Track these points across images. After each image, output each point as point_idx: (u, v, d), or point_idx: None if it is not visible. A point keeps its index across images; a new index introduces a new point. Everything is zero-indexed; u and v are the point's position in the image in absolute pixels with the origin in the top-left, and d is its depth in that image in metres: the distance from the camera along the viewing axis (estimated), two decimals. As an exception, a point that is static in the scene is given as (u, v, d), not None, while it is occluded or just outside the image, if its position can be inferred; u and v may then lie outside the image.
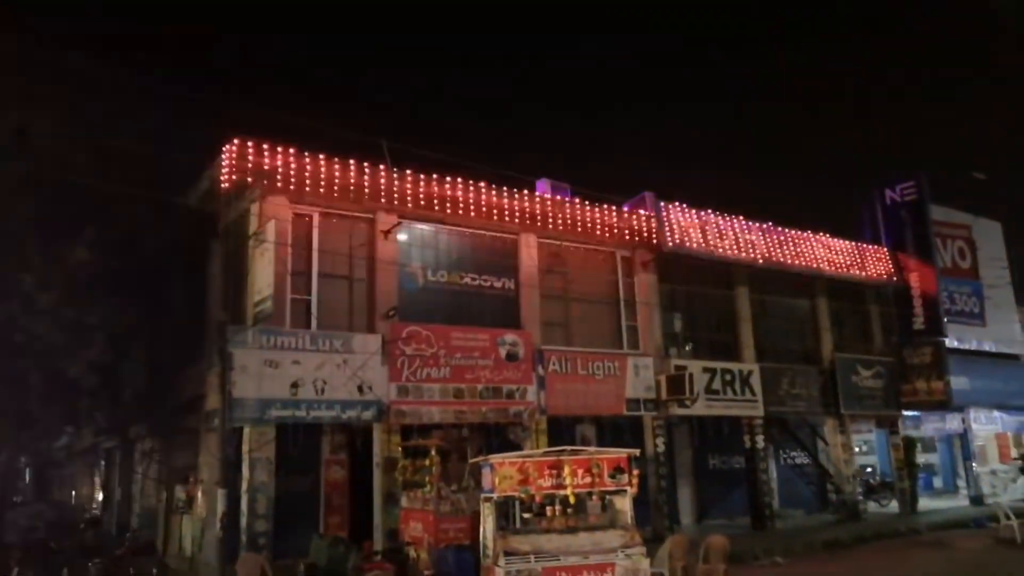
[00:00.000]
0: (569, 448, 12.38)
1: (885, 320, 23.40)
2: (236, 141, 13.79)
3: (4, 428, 15.14)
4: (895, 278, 23.63)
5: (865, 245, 23.54)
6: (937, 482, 28.54)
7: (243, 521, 12.95)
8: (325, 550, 11.92)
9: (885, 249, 24.02)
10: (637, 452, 10.49)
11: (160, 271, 16.21)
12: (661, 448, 17.77)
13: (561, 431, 16.36)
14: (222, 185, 13.74)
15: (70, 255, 14.66)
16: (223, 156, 13.84)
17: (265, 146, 13.98)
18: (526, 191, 17.13)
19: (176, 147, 15.40)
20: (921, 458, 25.99)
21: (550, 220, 17.09)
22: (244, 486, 13.09)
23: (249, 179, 13.87)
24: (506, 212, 16.51)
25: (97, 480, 24.29)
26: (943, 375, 23.08)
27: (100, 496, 23.74)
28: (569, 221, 17.38)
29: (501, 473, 9.63)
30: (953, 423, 24.34)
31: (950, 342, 23.70)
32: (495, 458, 10.10)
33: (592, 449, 14.47)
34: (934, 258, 23.91)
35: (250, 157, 13.83)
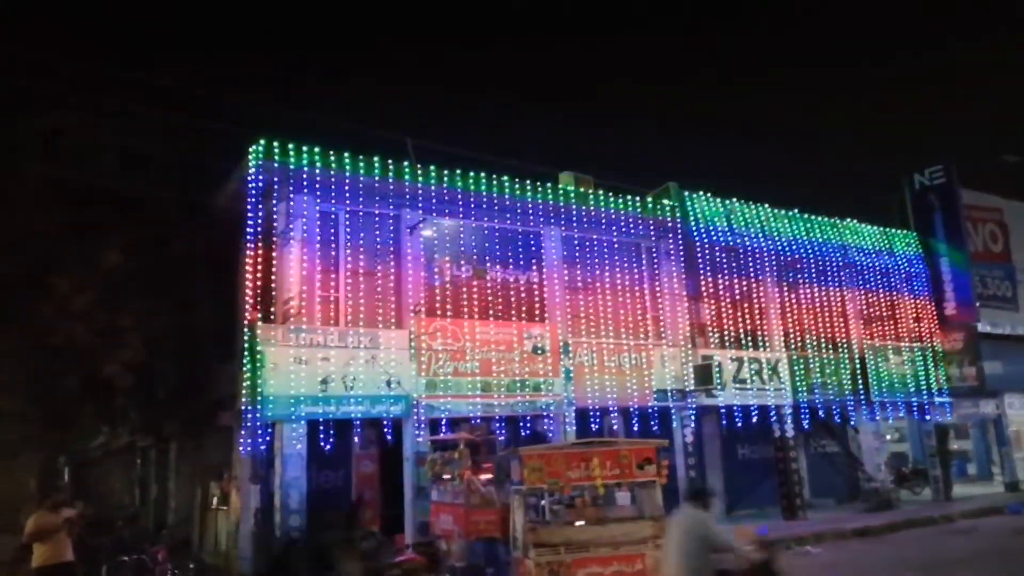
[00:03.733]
0: (597, 440, 12.41)
1: (916, 306, 23.11)
2: (262, 141, 13.99)
3: (42, 429, 15.47)
4: (925, 263, 23.40)
5: (894, 230, 23.30)
6: (971, 469, 28.18)
7: (277, 516, 13.14)
8: (358, 544, 12.07)
9: (915, 234, 23.78)
10: (666, 443, 10.51)
11: (191, 271, 16.46)
12: (689, 438, 17.74)
13: (589, 423, 16.41)
14: (249, 185, 13.93)
15: (103, 258, 14.92)
16: (250, 156, 14.03)
17: (291, 146, 14.16)
18: (549, 184, 17.17)
19: (204, 148, 15.63)
20: (954, 445, 25.69)
21: (574, 212, 17.11)
22: (277, 482, 13.29)
23: (275, 179, 14.07)
24: (530, 205, 16.56)
25: (134, 478, 24.72)
26: (976, 360, 22.80)
27: (137, 493, 24.15)
28: (593, 213, 17.39)
29: (530, 465, 9.69)
30: (987, 409, 24.00)
31: (982, 327, 23.37)
32: (524, 450, 10.17)
33: (620, 440, 14.54)
34: (965, 242, 23.60)
35: (276, 157, 14.03)
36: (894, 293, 22.62)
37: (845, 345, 21.05)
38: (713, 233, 18.96)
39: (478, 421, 14.78)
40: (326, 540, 12.40)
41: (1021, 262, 25.38)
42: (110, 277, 14.70)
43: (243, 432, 13.34)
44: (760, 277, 19.86)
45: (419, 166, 15.39)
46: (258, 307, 13.49)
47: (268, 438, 13.37)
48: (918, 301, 23.11)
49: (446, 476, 12.78)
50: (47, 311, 14.31)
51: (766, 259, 19.93)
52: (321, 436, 13.53)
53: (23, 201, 14.24)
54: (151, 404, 16.84)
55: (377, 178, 14.88)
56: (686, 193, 19.03)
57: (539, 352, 15.79)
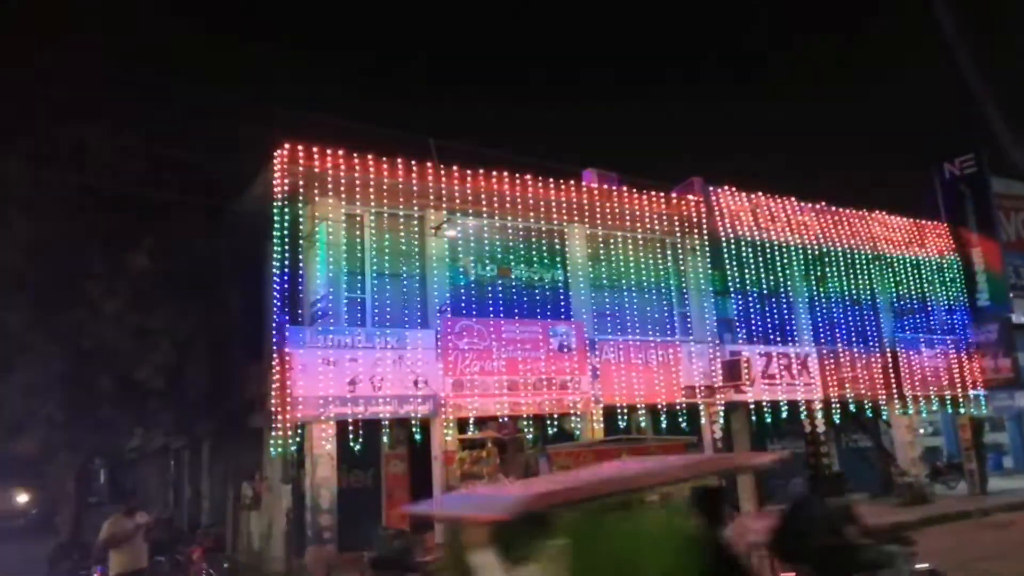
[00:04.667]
0: (625, 437, 12.39)
1: (948, 297, 22.74)
2: (287, 145, 14.10)
3: (78, 432, 15.74)
4: (957, 254, 23.03)
5: (925, 221, 22.94)
6: (1007, 462, 27.68)
7: (308, 516, 13.28)
8: (389, 542, 12.15)
9: (946, 224, 23.39)
10: (694, 439, 10.47)
11: (220, 274, 16.65)
12: (719, 435, 17.62)
13: (616, 420, 16.36)
14: (275, 189, 14.06)
15: (132, 262, 15.14)
16: (275, 160, 14.16)
17: (315, 149, 14.26)
18: (573, 182, 17.12)
19: (231, 152, 15.79)
20: (989, 438, 25.25)
21: (598, 210, 17.06)
22: (308, 482, 13.42)
23: (301, 182, 14.19)
24: (553, 204, 16.53)
25: (168, 479, 25.09)
26: (1011, 352, 22.39)
27: (171, 495, 24.52)
28: (617, 210, 17.32)
29: (559, 463, 9.74)
30: (1022, 401, 23.56)
31: (1017, 318, 22.93)
32: (552, 449, 10.19)
33: (649, 438, 14.50)
34: (997, 232, 23.18)
35: (301, 160, 14.13)
36: (925, 285, 22.27)
37: (876, 338, 20.77)
38: (739, 228, 18.79)
39: (505, 420, 14.80)
40: None
41: (1056, 251, 24.86)
42: (140, 281, 14.92)
43: (273, 433, 13.48)
44: (788, 270, 19.65)
45: (442, 167, 15.43)
46: (286, 309, 13.62)
47: (298, 439, 13.50)
48: (950, 292, 22.74)
49: (475, 474, 12.82)
50: (79, 315, 14.55)
51: (793, 253, 19.71)
52: (350, 436, 13.63)
53: (53, 208, 14.50)
54: (183, 406, 17.05)
55: (401, 180, 14.95)
56: (711, 188, 18.88)
57: (565, 350, 15.77)
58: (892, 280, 21.55)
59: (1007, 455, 27.97)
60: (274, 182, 14.07)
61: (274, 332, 13.59)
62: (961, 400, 21.87)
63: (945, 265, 22.80)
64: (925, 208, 23.84)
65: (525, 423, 15.31)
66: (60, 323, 14.51)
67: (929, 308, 22.24)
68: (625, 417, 16.54)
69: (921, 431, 23.30)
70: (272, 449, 13.74)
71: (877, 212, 21.84)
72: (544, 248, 16.66)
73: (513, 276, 16.18)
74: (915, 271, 22.07)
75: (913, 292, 21.92)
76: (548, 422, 15.78)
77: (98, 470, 32.22)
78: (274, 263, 13.86)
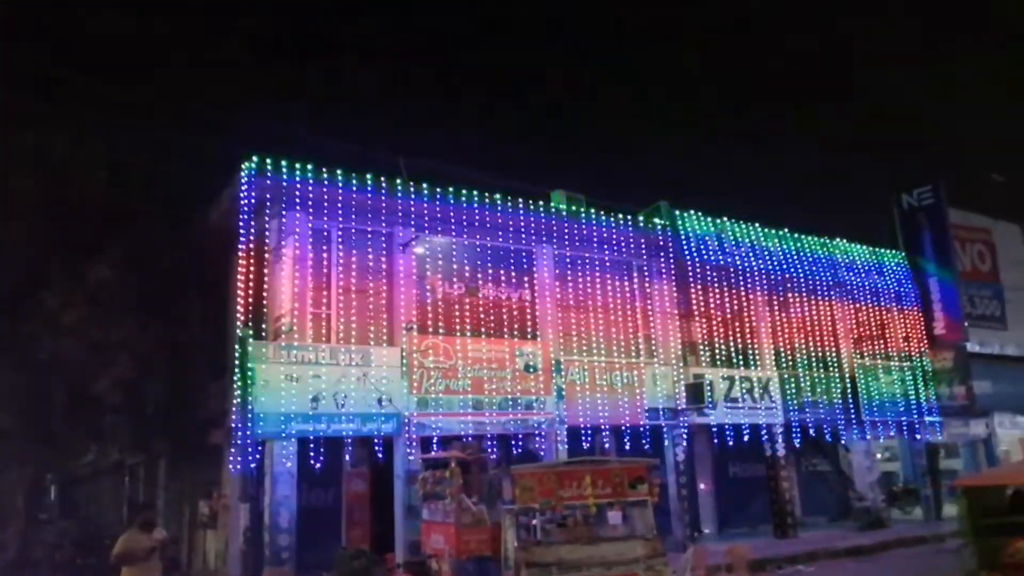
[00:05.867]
0: (589, 458, 12.39)
1: (905, 324, 23.23)
2: (255, 158, 14.01)
3: (29, 446, 15.34)
4: (914, 283, 23.58)
5: (883, 250, 23.48)
6: (962, 488, 28.17)
7: (266, 535, 13.05)
8: (348, 563, 12.00)
9: (904, 253, 23.96)
10: (657, 461, 10.52)
11: (182, 288, 16.40)
12: (681, 457, 17.72)
13: (580, 441, 16.38)
14: (241, 201, 13.92)
15: (92, 273, 14.87)
16: (242, 173, 14.04)
17: (283, 163, 14.18)
18: (541, 202, 17.24)
19: (196, 165, 15.63)
20: (945, 464, 25.73)
21: (566, 231, 17.18)
22: (267, 500, 13.20)
23: (267, 195, 14.07)
24: (522, 224, 16.62)
25: (122, 496, 24.48)
26: (966, 379, 22.91)
27: (125, 512, 23.92)
28: (585, 232, 17.46)
29: (522, 484, 9.69)
30: (977, 428, 24.06)
31: (972, 346, 23.50)
32: (516, 469, 10.16)
33: (612, 459, 14.53)
34: (953, 262, 23.78)
35: (268, 173, 14.04)
36: (884, 312, 22.74)
37: (836, 364, 21.12)
38: (704, 252, 19.06)
39: (469, 439, 14.73)
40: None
41: (1009, 282, 25.57)
42: (99, 293, 14.65)
43: (233, 450, 13.26)
44: (751, 295, 19.93)
45: (411, 184, 15.42)
46: (249, 324, 13.45)
47: (258, 456, 13.28)
48: (907, 320, 23.24)
49: (437, 494, 12.71)
50: (35, 326, 14.24)
51: (757, 278, 20.01)
52: (312, 454, 13.45)
53: (11, 216, 14.20)
54: (140, 421, 16.73)
55: (370, 195, 14.91)
56: (677, 212, 19.13)
57: (531, 370, 15.78)
58: (852, 306, 21.96)
59: (961, 481, 28.47)
60: (240, 195, 13.94)
61: (236, 347, 13.40)
62: (917, 426, 22.29)
63: (903, 293, 23.31)
64: (883, 237, 24.40)
65: (489, 443, 15.25)
66: (15, 333, 14.18)
67: (887, 335, 22.70)
68: (590, 438, 16.55)
69: (879, 456, 23.67)
70: (231, 466, 13.51)
71: (838, 239, 22.30)
72: (512, 267, 16.69)
73: (480, 295, 16.18)
74: (874, 298, 22.53)
75: (872, 318, 22.37)
76: (512, 442, 15.74)
77: (49, 486, 31.32)
78: (238, 277, 13.70)
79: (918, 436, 22.42)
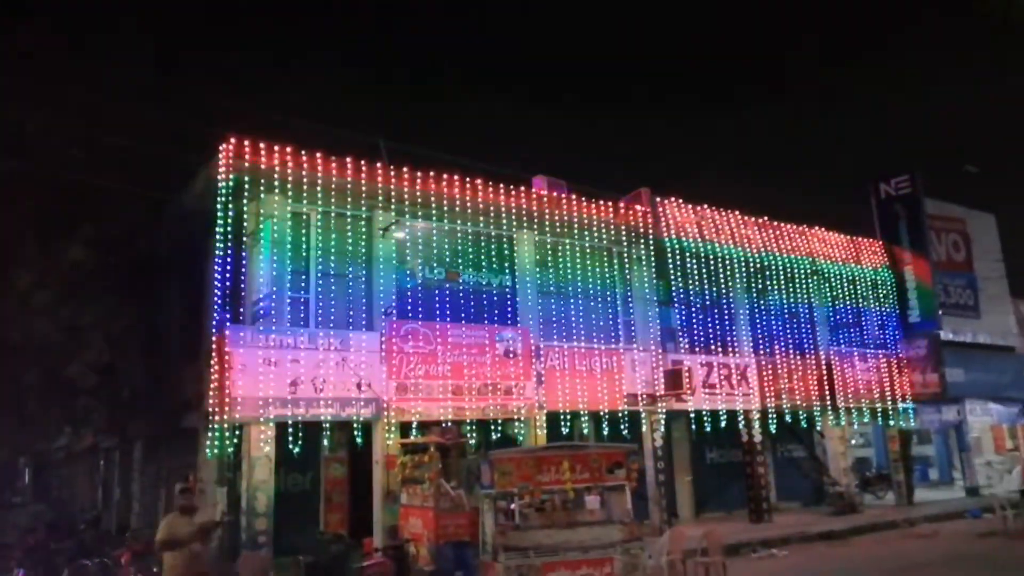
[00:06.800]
0: (568, 444, 12.43)
1: (881, 313, 23.50)
2: (233, 139, 13.82)
3: (2, 428, 15.15)
4: (890, 271, 23.87)
5: (860, 239, 23.70)
6: (933, 474, 28.66)
7: (243, 520, 12.98)
8: (326, 547, 11.97)
9: (880, 243, 24.21)
10: (635, 447, 10.57)
11: (158, 269, 16.19)
12: (659, 442, 17.83)
13: (559, 427, 16.43)
14: (219, 184, 13.74)
15: (66, 254, 14.64)
16: (220, 154, 13.84)
17: (262, 144, 14.00)
18: (523, 188, 17.19)
19: (173, 145, 15.40)
20: (917, 450, 26.13)
21: (547, 217, 17.15)
22: (244, 484, 13.12)
23: (246, 177, 13.89)
24: (503, 209, 16.57)
25: (96, 479, 24.29)
26: (938, 367, 23.21)
27: (100, 496, 23.73)
28: (566, 218, 17.44)
29: (500, 469, 9.69)
30: (949, 415, 24.44)
31: (945, 334, 23.81)
32: (494, 454, 10.17)
33: (591, 444, 14.60)
34: (928, 251, 24.05)
35: (247, 155, 13.86)
36: (860, 300, 22.99)
37: (812, 351, 21.32)
38: (684, 239, 19.14)
39: (449, 424, 14.73)
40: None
41: (982, 271, 25.92)
42: (73, 273, 14.43)
43: (210, 434, 13.15)
44: (730, 282, 20.05)
45: (392, 168, 15.30)
46: (226, 307, 13.31)
47: (235, 440, 13.19)
48: (883, 308, 23.52)
49: (416, 479, 12.72)
50: (7, 306, 14.02)
51: (736, 266, 20.13)
52: (290, 439, 13.38)
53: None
54: (115, 405, 16.53)
55: (349, 179, 14.79)
56: (658, 199, 19.17)
57: (511, 356, 15.78)
58: (829, 294, 22.19)
59: (933, 467, 28.95)
60: (218, 177, 13.75)
61: (213, 330, 13.27)
62: (891, 412, 22.59)
63: (879, 281, 23.57)
64: (860, 227, 24.62)
65: (468, 428, 15.25)
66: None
67: (863, 322, 22.95)
68: (568, 423, 16.60)
69: (852, 442, 23.97)
70: (208, 451, 13.40)
71: (816, 228, 22.47)
72: (492, 253, 16.65)
73: (461, 280, 16.13)
74: (851, 286, 22.78)
75: (848, 306, 22.60)
76: (492, 427, 15.76)
77: (22, 469, 31.01)
78: (216, 260, 13.53)
79: (891, 422, 22.73)
